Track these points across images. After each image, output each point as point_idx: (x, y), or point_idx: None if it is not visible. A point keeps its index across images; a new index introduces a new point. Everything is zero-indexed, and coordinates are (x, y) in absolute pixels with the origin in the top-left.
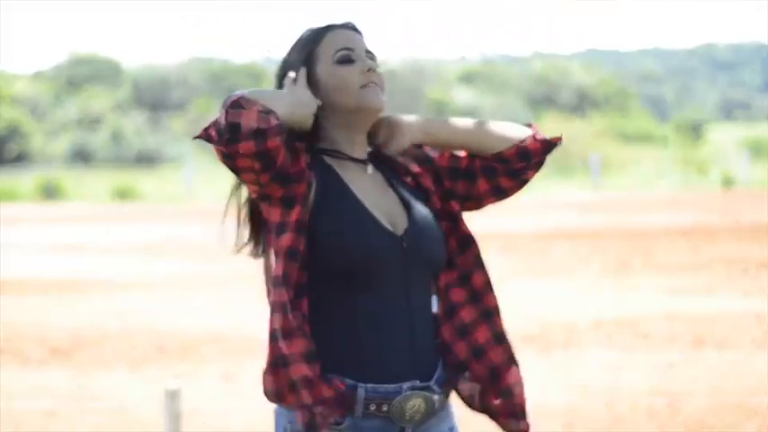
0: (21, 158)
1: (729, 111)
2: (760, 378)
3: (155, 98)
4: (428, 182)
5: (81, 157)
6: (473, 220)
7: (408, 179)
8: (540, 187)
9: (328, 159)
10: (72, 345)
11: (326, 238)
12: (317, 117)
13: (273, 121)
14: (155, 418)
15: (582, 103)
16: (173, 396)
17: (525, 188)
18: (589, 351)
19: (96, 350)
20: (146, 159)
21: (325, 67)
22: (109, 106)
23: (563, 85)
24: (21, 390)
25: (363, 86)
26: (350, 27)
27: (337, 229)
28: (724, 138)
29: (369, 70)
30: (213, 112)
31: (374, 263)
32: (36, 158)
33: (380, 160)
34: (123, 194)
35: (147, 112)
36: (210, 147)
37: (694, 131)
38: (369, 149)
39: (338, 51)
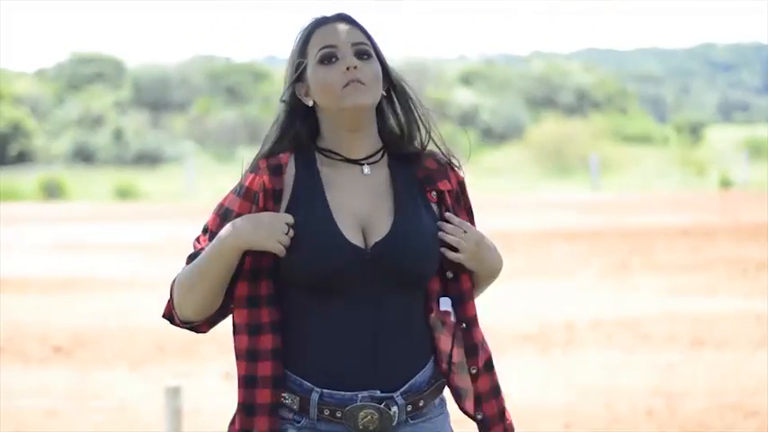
0: (22, 157)
1: (728, 112)
2: (759, 378)
3: (156, 97)
4: (452, 200)
5: (82, 156)
6: (474, 220)
7: (432, 193)
8: (539, 187)
9: (320, 159)
10: (73, 343)
11: (287, 249)
12: (315, 114)
13: (177, 322)
14: (155, 417)
15: (581, 104)
16: (173, 394)
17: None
18: (589, 351)
19: (97, 349)
20: (147, 158)
21: (311, 68)
22: (110, 105)
23: (563, 85)
24: (22, 388)
25: (346, 86)
26: (339, 18)
27: (295, 240)
28: (723, 138)
29: (349, 69)
30: (214, 112)
31: (327, 275)
32: (38, 157)
33: (404, 164)
34: (125, 193)
35: (149, 112)
36: (211, 146)
37: (693, 132)
38: (380, 149)
39: (320, 50)
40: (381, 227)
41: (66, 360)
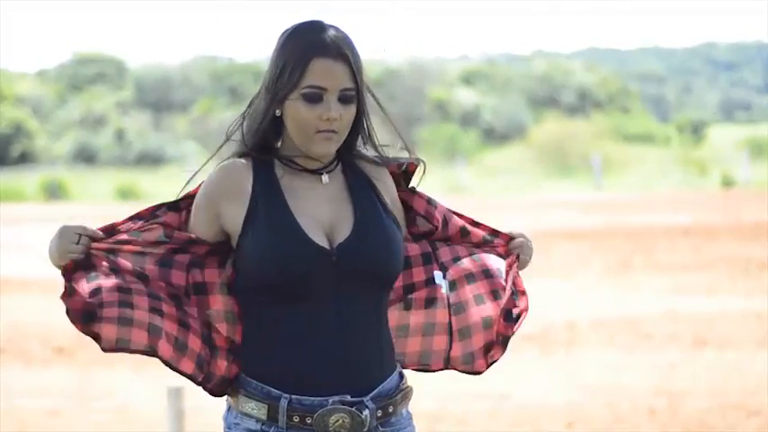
0: (24, 158)
1: (730, 111)
2: (761, 378)
3: (158, 98)
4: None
5: (84, 156)
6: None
7: (386, 199)
8: (541, 187)
9: (279, 166)
10: (75, 344)
11: (249, 252)
12: (283, 121)
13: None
14: (157, 418)
15: (583, 103)
16: (175, 395)
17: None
18: (590, 351)
19: (99, 350)
20: (149, 159)
21: (294, 95)
22: (112, 106)
23: (564, 84)
24: (24, 389)
25: (319, 132)
26: (339, 54)
27: (259, 244)
28: (725, 138)
29: (328, 119)
30: (216, 112)
31: (294, 277)
32: (40, 158)
33: (358, 170)
34: (126, 194)
35: (151, 112)
36: (213, 147)
37: (695, 131)
38: (335, 160)
39: (309, 88)
40: (344, 229)
41: (68, 360)
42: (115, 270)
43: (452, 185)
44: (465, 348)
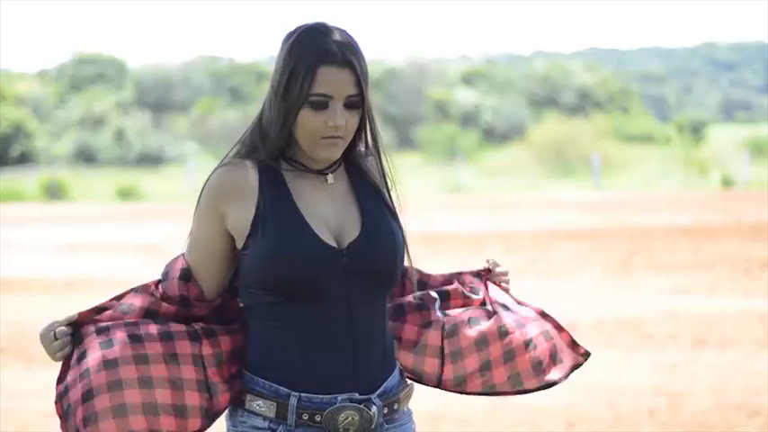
0: (25, 158)
1: (731, 111)
2: (762, 378)
3: (158, 98)
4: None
5: (84, 156)
6: (473, 218)
7: (387, 197)
8: (541, 187)
9: (286, 168)
10: None
11: (258, 253)
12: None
13: None
14: None
15: (583, 103)
16: None
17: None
18: (591, 350)
19: None
20: (149, 159)
21: (303, 101)
22: (112, 106)
23: (565, 84)
24: (25, 389)
25: (324, 138)
26: (345, 61)
27: (269, 244)
28: (725, 138)
29: (334, 126)
30: (216, 112)
31: (305, 277)
32: (40, 158)
33: (360, 170)
34: (126, 194)
35: (151, 112)
36: (213, 147)
37: (695, 131)
38: (338, 162)
39: (315, 95)
40: (352, 230)
41: None
42: (108, 343)
43: (452, 185)
44: (456, 371)
